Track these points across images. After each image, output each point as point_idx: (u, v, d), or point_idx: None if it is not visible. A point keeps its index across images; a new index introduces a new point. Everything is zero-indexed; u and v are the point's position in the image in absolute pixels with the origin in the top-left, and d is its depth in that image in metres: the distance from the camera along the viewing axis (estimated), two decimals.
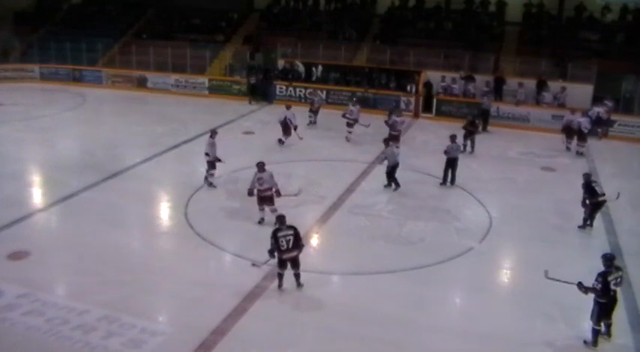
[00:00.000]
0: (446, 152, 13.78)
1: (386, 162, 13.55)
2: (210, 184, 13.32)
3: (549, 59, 21.36)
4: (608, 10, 23.61)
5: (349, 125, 17.45)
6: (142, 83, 25.29)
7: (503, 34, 24.18)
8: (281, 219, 8.98)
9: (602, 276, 7.59)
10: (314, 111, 19.63)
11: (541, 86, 20.26)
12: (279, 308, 8.67)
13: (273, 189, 11.13)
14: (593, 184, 11.48)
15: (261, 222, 11.26)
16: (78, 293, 8.92)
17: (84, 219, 11.67)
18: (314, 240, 11.03)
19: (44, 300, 8.61)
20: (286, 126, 16.90)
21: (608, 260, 7.76)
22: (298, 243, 8.91)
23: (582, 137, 17.03)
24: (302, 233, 10.67)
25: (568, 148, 17.29)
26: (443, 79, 21.45)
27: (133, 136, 18.18)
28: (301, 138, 16.70)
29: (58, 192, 12.85)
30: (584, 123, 16.94)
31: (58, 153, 16.53)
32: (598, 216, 12.24)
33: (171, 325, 8.24)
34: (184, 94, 24.31)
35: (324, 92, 22.46)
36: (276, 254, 8.84)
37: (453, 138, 13.86)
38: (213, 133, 13.30)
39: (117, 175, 14.22)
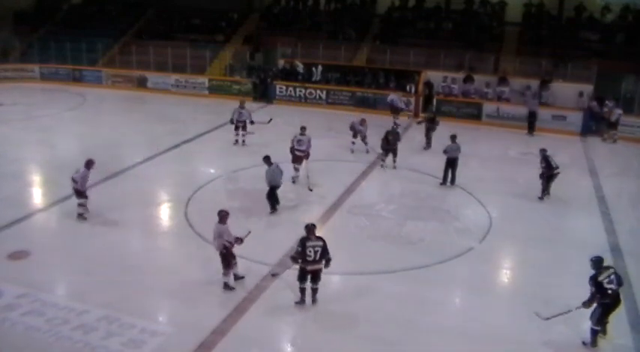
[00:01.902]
0: (445, 152, 13.80)
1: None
2: (80, 215, 11.46)
3: (549, 59, 21.37)
4: (608, 10, 23.63)
5: (297, 159, 13.76)
6: (142, 83, 25.29)
7: (503, 34, 24.19)
8: (310, 228, 8.52)
9: (593, 279, 7.70)
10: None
11: (543, 86, 20.22)
12: (279, 308, 8.67)
13: (233, 243, 8.94)
14: (549, 159, 12.96)
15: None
16: (78, 293, 8.91)
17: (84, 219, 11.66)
18: None
19: (44, 300, 8.61)
20: (393, 107, 19.23)
21: (595, 263, 7.83)
22: (325, 255, 8.52)
23: (615, 125, 18.74)
24: (302, 233, 10.73)
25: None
26: (445, 79, 21.46)
27: (133, 136, 18.18)
28: (398, 125, 18.14)
29: (58, 192, 12.82)
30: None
31: (58, 153, 16.51)
32: (598, 216, 12.45)
33: (171, 325, 8.23)
34: (184, 94, 24.32)
35: (325, 92, 22.50)
36: (298, 265, 8.47)
37: (453, 138, 13.87)
38: (89, 163, 11.33)
39: (117, 175, 14.21)
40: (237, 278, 9.22)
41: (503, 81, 20.78)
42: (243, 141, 16.92)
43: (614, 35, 22.57)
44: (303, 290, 8.64)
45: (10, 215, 11.50)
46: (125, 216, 11.87)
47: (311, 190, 13.16)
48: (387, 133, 15.04)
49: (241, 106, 16.88)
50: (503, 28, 24.52)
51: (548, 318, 7.92)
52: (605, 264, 7.95)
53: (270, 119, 17.20)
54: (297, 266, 8.59)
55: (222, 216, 8.87)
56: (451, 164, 13.81)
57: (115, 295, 8.77)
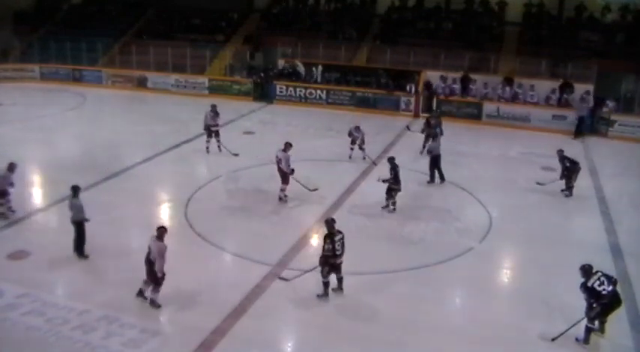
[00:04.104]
0: (429, 151, 14.09)
1: None
2: (2, 214, 11.41)
3: (549, 59, 21.37)
4: (608, 10, 23.60)
5: (286, 180, 12.53)
6: (142, 83, 25.29)
7: (503, 34, 24.18)
8: (331, 222, 8.58)
9: (584, 286, 7.78)
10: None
11: (565, 88, 20.13)
12: (279, 308, 8.67)
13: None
14: (566, 159, 13.16)
15: None
16: (78, 293, 8.91)
17: None
18: (314, 240, 10.98)
19: (44, 300, 8.61)
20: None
21: (585, 271, 7.88)
22: (344, 246, 8.69)
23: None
24: (302, 233, 10.75)
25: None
26: (445, 79, 21.45)
27: (133, 136, 18.18)
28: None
29: (58, 192, 12.79)
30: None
31: (58, 153, 16.50)
32: (598, 215, 12.46)
33: (171, 325, 8.24)
34: (184, 94, 24.30)
35: (325, 92, 22.49)
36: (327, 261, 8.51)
37: (434, 137, 14.01)
38: (12, 166, 11.46)
39: (117, 175, 14.20)
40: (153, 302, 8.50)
41: (508, 81, 20.75)
42: (219, 146, 15.82)
43: (614, 35, 22.55)
44: (327, 284, 8.74)
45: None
46: (125, 215, 11.87)
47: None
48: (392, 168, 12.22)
49: (213, 110, 15.75)
50: (503, 28, 24.49)
51: (554, 338, 7.91)
52: (597, 268, 7.97)
53: (237, 154, 15.73)
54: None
55: (162, 232, 8.41)
56: (435, 161, 13.89)
57: (115, 295, 8.77)
